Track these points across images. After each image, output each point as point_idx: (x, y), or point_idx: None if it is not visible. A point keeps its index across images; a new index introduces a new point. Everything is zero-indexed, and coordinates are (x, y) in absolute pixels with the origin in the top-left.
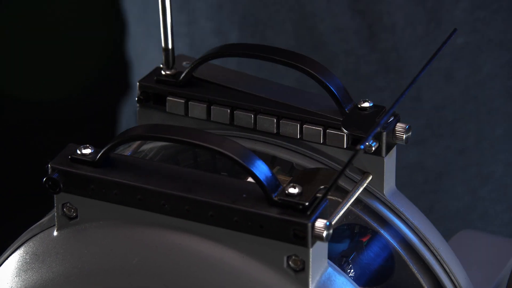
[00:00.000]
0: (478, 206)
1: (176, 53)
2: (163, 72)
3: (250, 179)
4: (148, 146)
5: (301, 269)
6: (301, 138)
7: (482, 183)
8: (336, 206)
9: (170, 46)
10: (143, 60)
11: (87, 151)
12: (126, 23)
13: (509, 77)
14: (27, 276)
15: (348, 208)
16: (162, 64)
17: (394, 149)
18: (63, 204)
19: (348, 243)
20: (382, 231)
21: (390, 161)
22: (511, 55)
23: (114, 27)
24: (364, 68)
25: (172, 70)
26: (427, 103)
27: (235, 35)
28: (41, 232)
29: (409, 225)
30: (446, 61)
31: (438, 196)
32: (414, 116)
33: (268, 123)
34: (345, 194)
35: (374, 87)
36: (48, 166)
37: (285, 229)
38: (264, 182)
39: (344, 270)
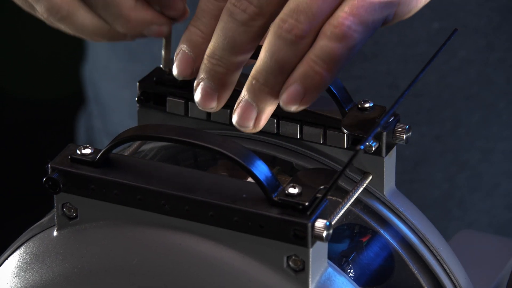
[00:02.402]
0: (455, 194)
1: (151, 54)
2: (162, 66)
3: (250, 179)
4: (148, 146)
5: (301, 269)
6: (301, 138)
7: (459, 170)
8: (336, 206)
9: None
10: (105, 75)
11: (87, 151)
12: None
13: (485, 63)
14: (27, 276)
15: (348, 208)
16: (161, 64)
17: (394, 149)
18: (63, 204)
19: (348, 243)
20: (382, 231)
21: (390, 161)
22: (486, 40)
23: None
24: None
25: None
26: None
27: None
28: (41, 232)
29: (409, 225)
30: (421, 47)
31: (416, 185)
32: (390, 103)
33: (268, 123)
34: (345, 194)
35: (351, 75)
36: (48, 166)
37: (285, 229)
38: (264, 182)
39: (344, 270)
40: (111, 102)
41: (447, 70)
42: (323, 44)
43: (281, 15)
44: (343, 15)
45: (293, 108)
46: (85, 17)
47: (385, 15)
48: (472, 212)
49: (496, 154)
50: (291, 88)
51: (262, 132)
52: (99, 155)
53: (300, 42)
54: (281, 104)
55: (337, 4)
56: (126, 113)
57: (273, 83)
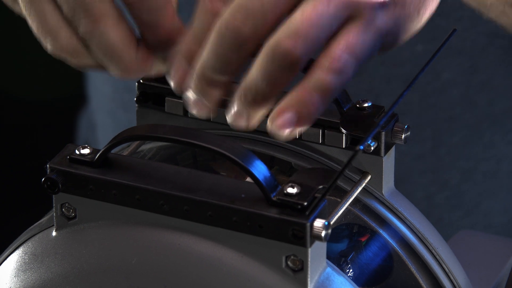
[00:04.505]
0: (433, 213)
1: None
2: None
3: (249, 179)
4: (147, 146)
5: (299, 269)
6: (299, 138)
7: (439, 189)
8: (335, 206)
9: None
10: (89, 73)
11: (86, 151)
12: None
13: (468, 85)
14: (26, 276)
15: (346, 208)
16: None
17: (393, 149)
18: (61, 204)
19: (346, 243)
20: (381, 231)
21: (388, 161)
22: (470, 63)
23: None
24: None
25: None
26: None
27: None
28: (40, 232)
29: (408, 224)
30: (406, 67)
31: None
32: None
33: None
34: (343, 194)
35: None
36: (46, 166)
37: (283, 229)
38: (263, 182)
39: (343, 270)
40: (94, 97)
41: (430, 91)
42: (321, 76)
43: (278, 36)
44: (340, 50)
45: (285, 133)
46: (84, 58)
47: (375, 49)
48: (451, 230)
49: (477, 174)
50: (286, 115)
51: (261, 132)
52: (97, 155)
53: (295, 67)
54: (272, 128)
55: (332, 33)
56: (106, 108)
57: (262, 99)
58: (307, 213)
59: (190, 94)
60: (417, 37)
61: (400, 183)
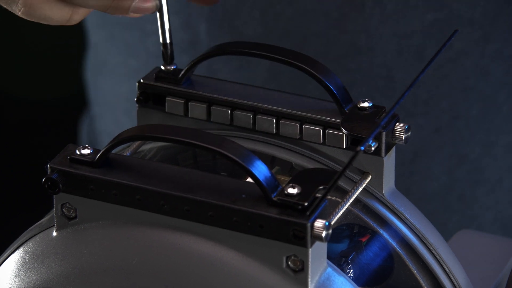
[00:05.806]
0: (455, 187)
1: (147, 51)
2: (162, 68)
3: (249, 179)
4: (148, 146)
5: (300, 269)
6: (300, 138)
7: (459, 163)
8: (336, 206)
9: (168, 41)
10: (102, 73)
11: (86, 151)
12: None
13: (481, 54)
14: (26, 277)
15: (347, 208)
16: (162, 66)
17: (394, 149)
18: (62, 205)
19: (347, 243)
20: (381, 231)
21: (389, 161)
22: (482, 32)
23: None
24: (335, 50)
25: (171, 67)
26: (399, 82)
27: (204, 27)
28: (40, 232)
29: (408, 225)
30: (417, 38)
31: (415, 177)
32: (387, 96)
33: (268, 123)
34: (344, 194)
35: (346, 69)
36: (47, 167)
37: (284, 229)
38: (264, 183)
39: (343, 270)
40: (108, 98)
41: (443, 61)
42: None
43: None
44: None
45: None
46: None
47: None
48: (474, 206)
49: (498, 148)
50: None
51: (261, 132)
52: (98, 155)
53: None
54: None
55: None
56: (122, 109)
57: None
58: (307, 213)
59: None
60: (427, 6)
61: (418, 157)
